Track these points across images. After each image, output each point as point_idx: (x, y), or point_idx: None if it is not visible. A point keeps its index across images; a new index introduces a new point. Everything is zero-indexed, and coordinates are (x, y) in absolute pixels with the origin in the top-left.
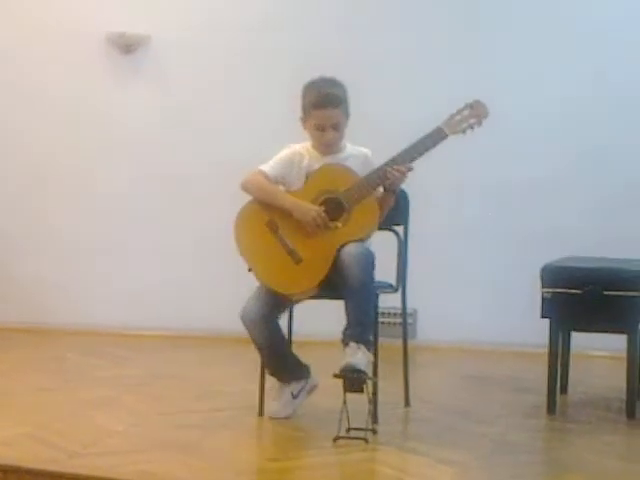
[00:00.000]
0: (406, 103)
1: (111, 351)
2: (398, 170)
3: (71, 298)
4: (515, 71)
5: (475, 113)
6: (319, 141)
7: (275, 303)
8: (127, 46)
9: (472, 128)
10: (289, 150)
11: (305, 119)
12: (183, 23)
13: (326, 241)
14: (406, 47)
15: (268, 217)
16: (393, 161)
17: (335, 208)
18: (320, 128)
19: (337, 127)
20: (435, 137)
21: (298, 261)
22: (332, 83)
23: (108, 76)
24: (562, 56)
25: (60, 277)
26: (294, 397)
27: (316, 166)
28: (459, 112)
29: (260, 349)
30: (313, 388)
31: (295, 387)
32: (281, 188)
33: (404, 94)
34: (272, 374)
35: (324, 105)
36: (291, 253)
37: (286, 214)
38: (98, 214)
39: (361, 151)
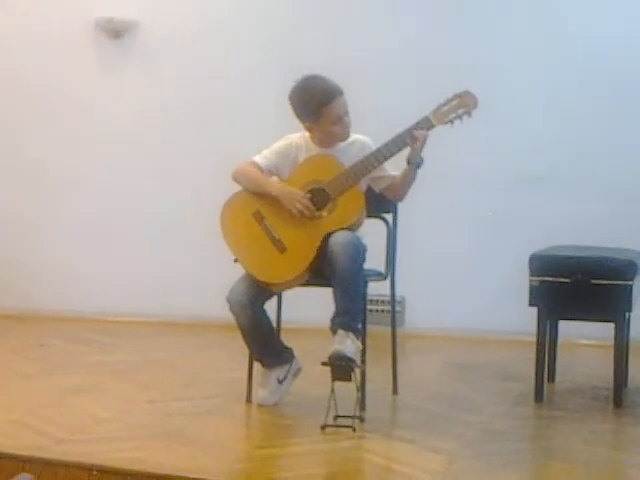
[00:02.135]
0: (397, 97)
1: (97, 338)
2: (419, 135)
3: (55, 285)
4: (504, 63)
5: (464, 103)
6: (340, 133)
7: (262, 288)
8: (116, 31)
9: (461, 119)
10: (286, 141)
11: (316, 121)
12: (173, 8)
13: (311, 231)
14: (393, 45)
15: (255, 208)
16: (378, 151)
17: (320, 198)
18: (337, 120)
19: (348, 113)
20: (422, 127)
21: (282, 250)
22: (322, 77)
23: (96, 62)
24: (549, 49)
25: (44, 263)
26: (280, 382)
27: None
28: (447, 102)
29: (244, 333)
30: (298, 371)
31: (280, 372)
32: (274, 179)
33: (392, 90)
34: (256, 359)
35: (335, 96)
36: (276, 243)
37: (273, 204)
38: (84, 201)
39: (359, 138)
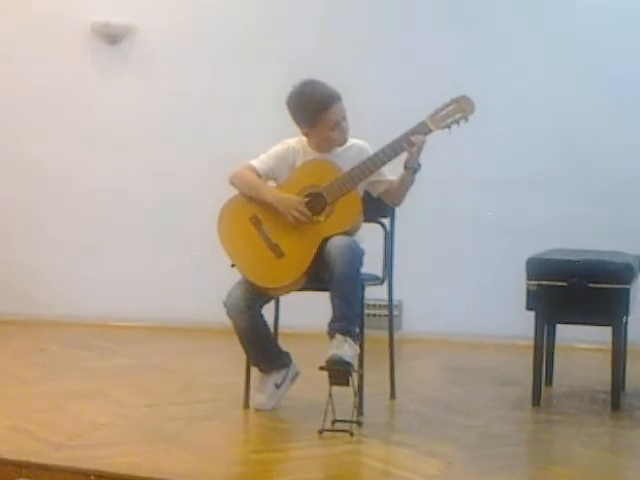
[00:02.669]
0: (395, 100)
1: (95, 342)
2: (416, 140)
3: (54, 289)
4: (503, 66)
5: (461, 108)
6: (337, 138)
7: (259, 293)
8: (112, 36)
9: (458, 123)
10: (283, 146)
11: (313, 126)
12: (169, 12)
13: (309, 235)
14: (392, 46)
15: (252, 212)
16: (375, 156)
17: (318, 203)
18: (335, 125)
19: (345, 118)
20: (419, 132)
21: (280, 255)
22: (320, 83)
23: (93, 67)
24: (548, 51)
25: (43, 268)
26: (277, 387)
27: None
28: (445, 107)
29: (241, 337)
30: (295, 376)
31: (277, 377)
32: (271, 183)
33: (391, 91)
34: (254, 364)
35: (332, 102)
36: (273, 247)
37: (270, 209)
38: (82, 206)
39: (356, 143)
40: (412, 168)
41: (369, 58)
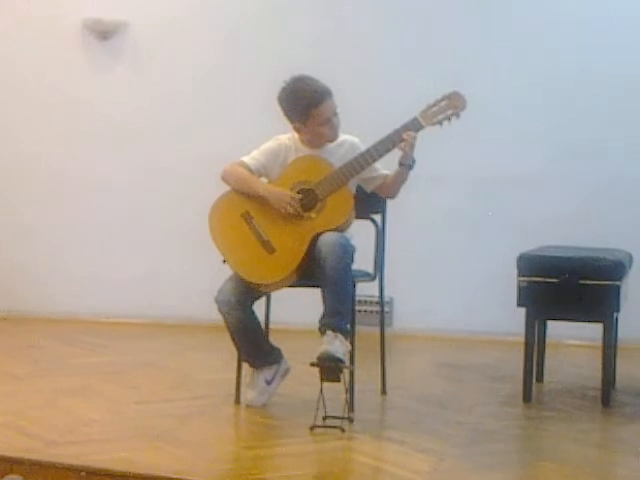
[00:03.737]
0: (387, 96)
1: (87, 339)
2: (408, 136)
3: (45, 286)
4: (498, 63)
5: (453, 104)
6: (328, 134)
7: (250, 288)
8: (104, 32)
9: (449, 120)
10: (275, 142)
11: (304, 122)
12: (162, 8)
13: (300, 232)
14: (388, 43)
15: (244, 208)
16: (367, 152)
17: (309, 199)
18: (326, 121)
19: (337, 114)
20: (410, 128)
21: (271, 251)
22: (312, 78)
23: (85, 63)
24: (547, 50)
25: (34, 265)
26: (268, 383)
27: None
28: (436, 103)
29: (232, 332)
30: (286, 372)
31: (268, 373)
32: (263, 180)
33: (385, 87)
34: (245, 360)
35: (324, 98)
36: (265, 243)
37: (262, 205)
38: (74, 202)
39: (348, 139)
40: (407, 165)
41: (364, 55)
